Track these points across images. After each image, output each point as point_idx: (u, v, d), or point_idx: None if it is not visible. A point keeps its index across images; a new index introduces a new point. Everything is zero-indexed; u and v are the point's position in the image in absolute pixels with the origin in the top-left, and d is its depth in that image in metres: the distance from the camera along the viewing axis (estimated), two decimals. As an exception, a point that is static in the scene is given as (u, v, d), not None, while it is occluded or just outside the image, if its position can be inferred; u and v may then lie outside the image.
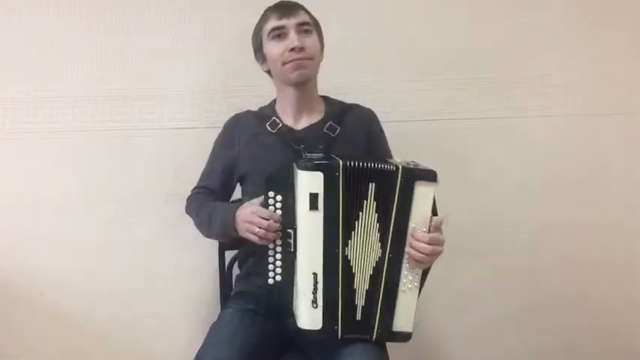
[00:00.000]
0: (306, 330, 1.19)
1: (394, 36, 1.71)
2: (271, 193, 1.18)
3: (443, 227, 1.20)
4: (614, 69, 1.76)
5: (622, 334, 1.90)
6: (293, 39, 1.30)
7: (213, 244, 1.53)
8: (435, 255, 1.18)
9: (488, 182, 1.79)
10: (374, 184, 1.16)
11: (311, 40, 1.33)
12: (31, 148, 1.70)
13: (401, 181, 1.15)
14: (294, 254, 1.18)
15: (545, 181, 1.80)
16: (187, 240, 1.75)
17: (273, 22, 1.32)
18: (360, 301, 1.19)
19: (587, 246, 1.84)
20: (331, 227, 1.15)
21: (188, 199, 1.46)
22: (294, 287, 1.19)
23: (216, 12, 1.67)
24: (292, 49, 1.29)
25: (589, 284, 1.87)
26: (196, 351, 1.24)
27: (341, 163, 1.14)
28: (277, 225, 1.17)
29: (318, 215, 1.14)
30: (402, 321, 1.20)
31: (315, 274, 1.16)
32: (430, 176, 1.17)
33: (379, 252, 1.18)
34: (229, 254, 1.54)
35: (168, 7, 1.67)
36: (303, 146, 1.31)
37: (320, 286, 1.16)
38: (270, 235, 1.17)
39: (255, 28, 1.39)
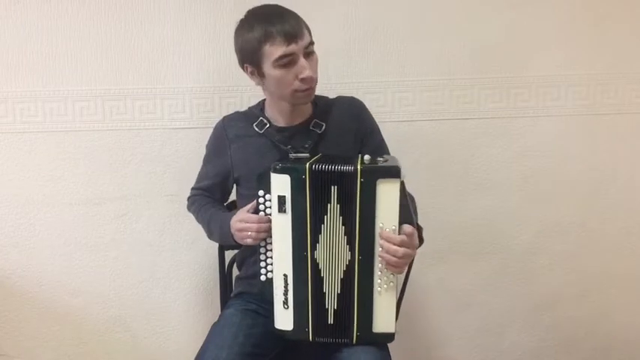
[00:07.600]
0: (280, 330, 1.21)
1: (394, 36, 1.71)
2: (261, 192, 1.20)
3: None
4: (615, 69, 1.76)
5: (623, 334, 1.90)
6: (304, 66, 1.23)
7: (213, 244, 1.53)
8: (407, 258, 1.14)
9: (489, 182, 1.79)
10: (336, 187, 1.14)
11: (314, 62, 1.28)
12: (31, 146, 1.70)
13: (361, 181, 1.12)
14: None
15: (545, 181, 1.80)
16: (187, 240, 1.76)
17: (281, 49, 1.20)
18: (331, 304, 1.19)
19: (587, 245, 1.84)
20: (299, 230, 1.15)
21: (189, 199, 1.49)
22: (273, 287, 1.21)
23: (216, 12, 1.67)
24: (304, 79, 1.24)
25: (589, 284, 1.87)
26: (196, 351, 1.24)
27: (307, 165, 1.13)
28: (268, 225, 1.19)
29: (287, 218, 1.15)
30: (382, 322, 1.18)
31: (285, 275, 1.18)
32: (392, 172, 1.11)
33: (349, 255, 1.17)
34: (229, 254, 1.54)
35: (169, 8, 1.67)
36: (290, 147, 1.32)
37: (290, 287, 1.18)
38: (262, 235, 1.20)
39: (250, 41, 1.24)
